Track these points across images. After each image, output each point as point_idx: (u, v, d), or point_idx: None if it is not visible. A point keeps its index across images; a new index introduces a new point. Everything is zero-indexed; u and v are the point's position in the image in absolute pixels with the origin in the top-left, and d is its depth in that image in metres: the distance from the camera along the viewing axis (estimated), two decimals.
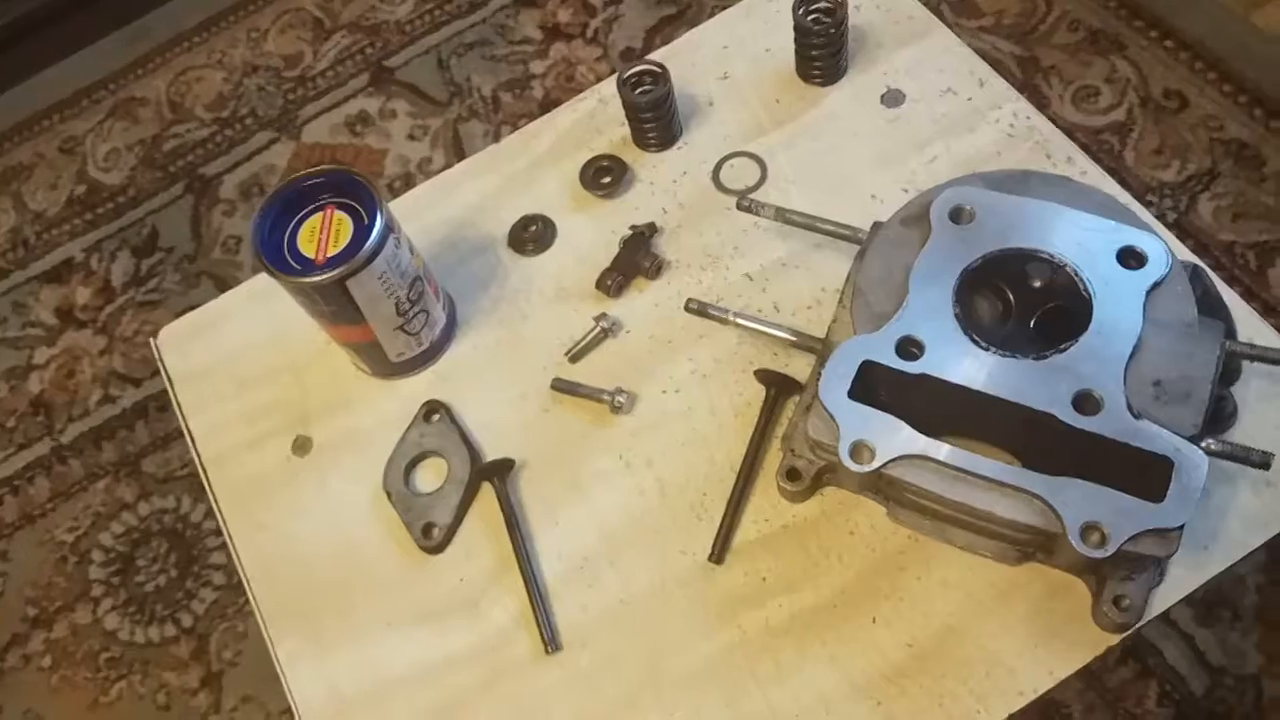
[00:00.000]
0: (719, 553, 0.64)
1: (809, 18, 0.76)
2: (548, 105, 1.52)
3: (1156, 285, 0.55)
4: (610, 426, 0.70)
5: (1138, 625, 0.56)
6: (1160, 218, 1.28)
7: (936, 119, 0.76)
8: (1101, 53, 1.41)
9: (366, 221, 0.64)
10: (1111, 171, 1.32)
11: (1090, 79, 1.39)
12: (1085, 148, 1.32)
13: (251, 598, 0.68)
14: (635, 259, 0.74)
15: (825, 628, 0.61)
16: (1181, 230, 1.26)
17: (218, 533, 1.28)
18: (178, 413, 0.76)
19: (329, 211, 0.65)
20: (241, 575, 0.69)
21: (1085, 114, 1.37)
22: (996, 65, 1.44)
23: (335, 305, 0.65)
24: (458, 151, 1.51)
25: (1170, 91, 1.36)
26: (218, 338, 0.78)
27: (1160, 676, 1.05)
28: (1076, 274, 0.57)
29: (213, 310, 0.81)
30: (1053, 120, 1.33)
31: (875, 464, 0.54)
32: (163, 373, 0.78)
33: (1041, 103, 1.38)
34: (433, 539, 0.67)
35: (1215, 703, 1.03)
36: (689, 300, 0.68)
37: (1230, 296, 0.63)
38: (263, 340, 0.77)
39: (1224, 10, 1.40)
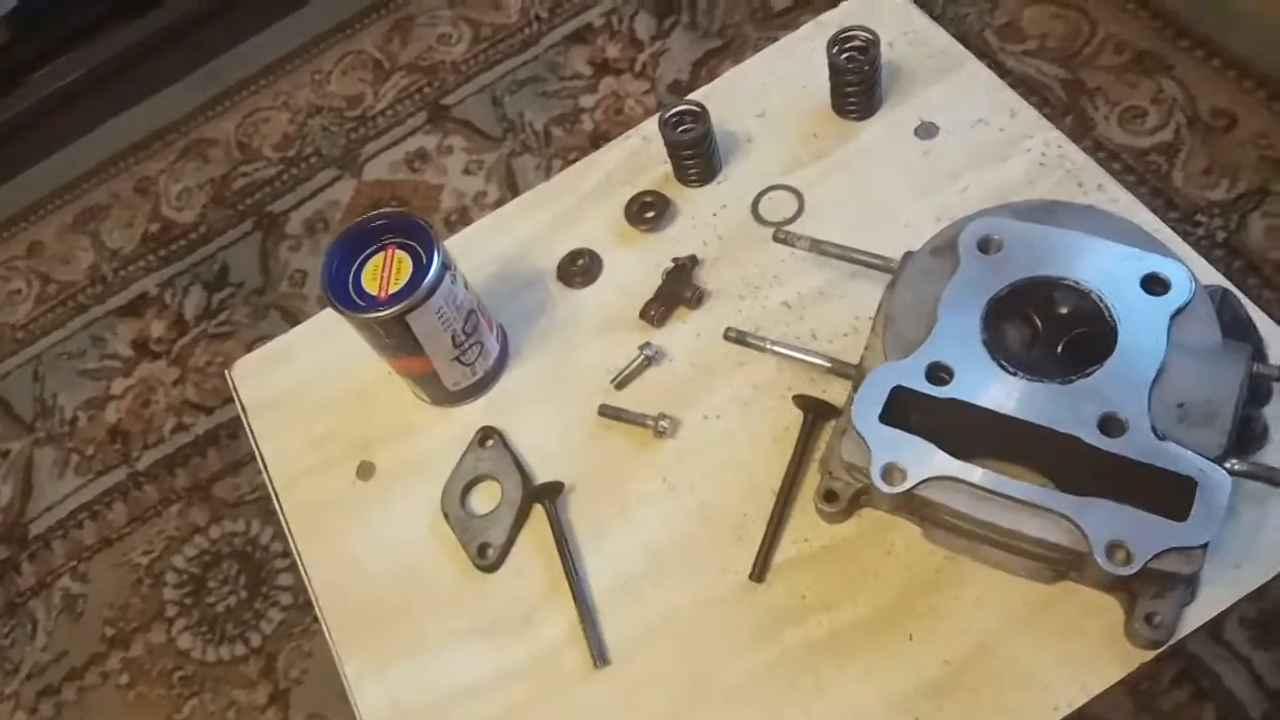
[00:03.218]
0: (760, 572, 0.66)
1: (843, 56, 0.79)
2: (597, 138, 1.56)
3: (1180, 310, 0.57)
4: (654, 450, 0.73)
5: (1170, 642, 0.57)
6: (1209, 237, 1.28)
7: (969, 150, 0.78)
8: (1147, 73, 1.41)
9: (425, 260, 0.68)
10: (1159, 192, 1.34)
11: (1136, 100, 1.39)
12: (1131, 169, 1.34)
13: (320, 615, 0.72)
14: (677, 290, 0.77)
15: (864, 645, 0.63)
16: (1231, 250, 1.26)
17: (285, 555, 1.34)
18: (251, 440, 0.80)
19: (390, 251, 0.69)
20: (311, 594, 0.73)
21: (1132, 135, 1.37)
22: (1041, 89, 1.46)
23: (396, 339, 0.69)
24: (511, 185, 1.56)
25: (1218, 110, 1.36)
26: (287, 370, 0.83)
27: (1217, 700, 1.03)
28: (1101, 301, 0.58)
29: (282, 344, 0.86)
30: (1099, 142, 1.35)
31: (906, 485, 0.57)
32: (237, 402, 0.83)
33: (1087, 125, 1.38)
34: (488, 558, 0.71)
35: None
36: (728, 329, 0.71)
37: (1262, 319, 0.64)
38: (328, 372, 0.82)
39: (1273, 28, 1.40)
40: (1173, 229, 0.70)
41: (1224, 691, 1.04)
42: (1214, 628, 1.05)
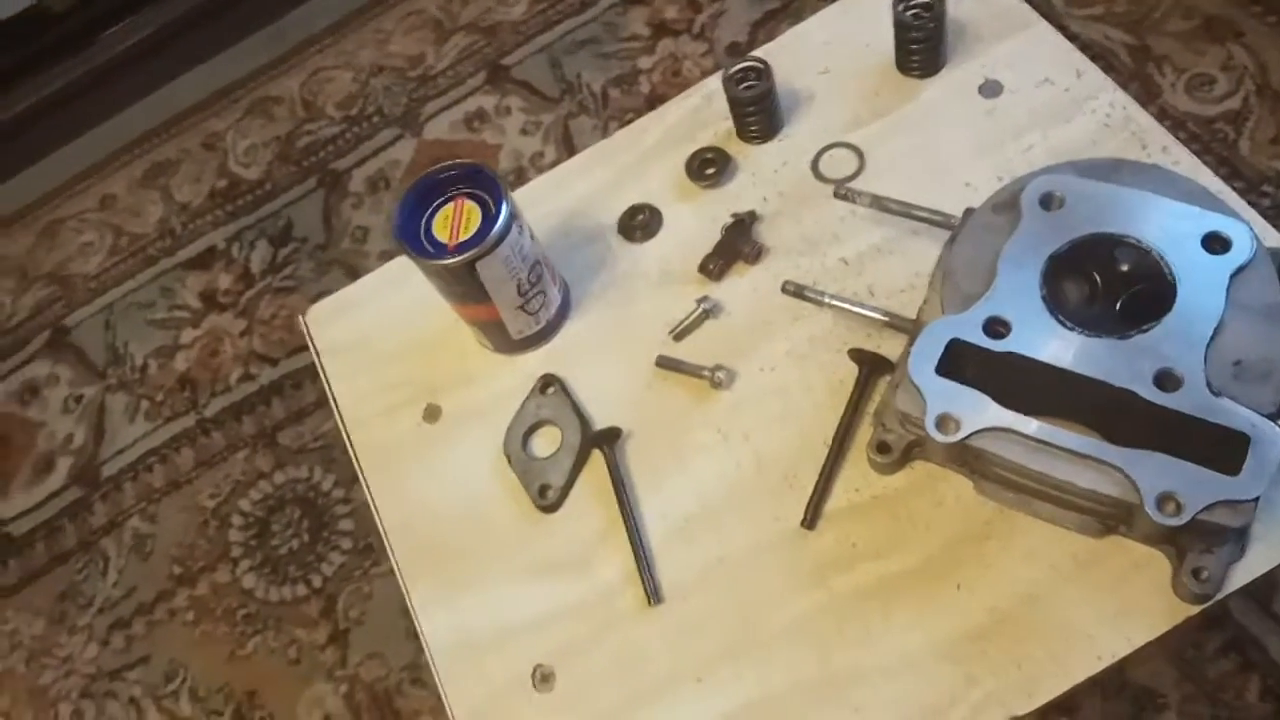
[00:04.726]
0: (811, 519, 0.68)
1: (908, 13, 0.79)
2: (654, 100, 1.57)
3: (1241, 269, 0.57)
4: (710, 401, 0.74)
5: (1216, 597, 0.58)
6: (1276, 207, 1.26)
7: (1033, 109, 0.78)
8: (1217, 40, 1.38)
9: (493, 210, 0.70)
10: (1224, 161, 1.31)
11: (1204, 67, 1.36)
12: (1197, 137, 1.32)
13: (389, 548, 0.75)
14: (736, 245, 0.79)
15: (911, 592, 0.65)
16: None
17: (346, 501, 1.38)
18: (324, 382, 0.84)
19: (460, 202, 0.71)
20: (380, 528, 0.76)
21: (1199, 103, 1.35)
22: (1107, 54, 1.44)
23: (465, 286, 0.72)
24: (568, 146, 1.58)
25: None
26: (359, 316, 0.86)
27: (1263, 671, 1.03)
28: (1162, 258, 0.59)
29: (354, 292, 0.89)
30: (1165, 109, 1.33)
31: (960, 435, 0.58)
32: (310, 347, 0.86)
33: (1154, 92, 1.36)
34: (548, 499, 0.73)
35: None
36: (786, 282, 0.73)
37: None
38: (397, 319, 0.85)
39: None
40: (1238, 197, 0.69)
41: (1270, 662, 1.03)
42: (1263, 600, 1.05)
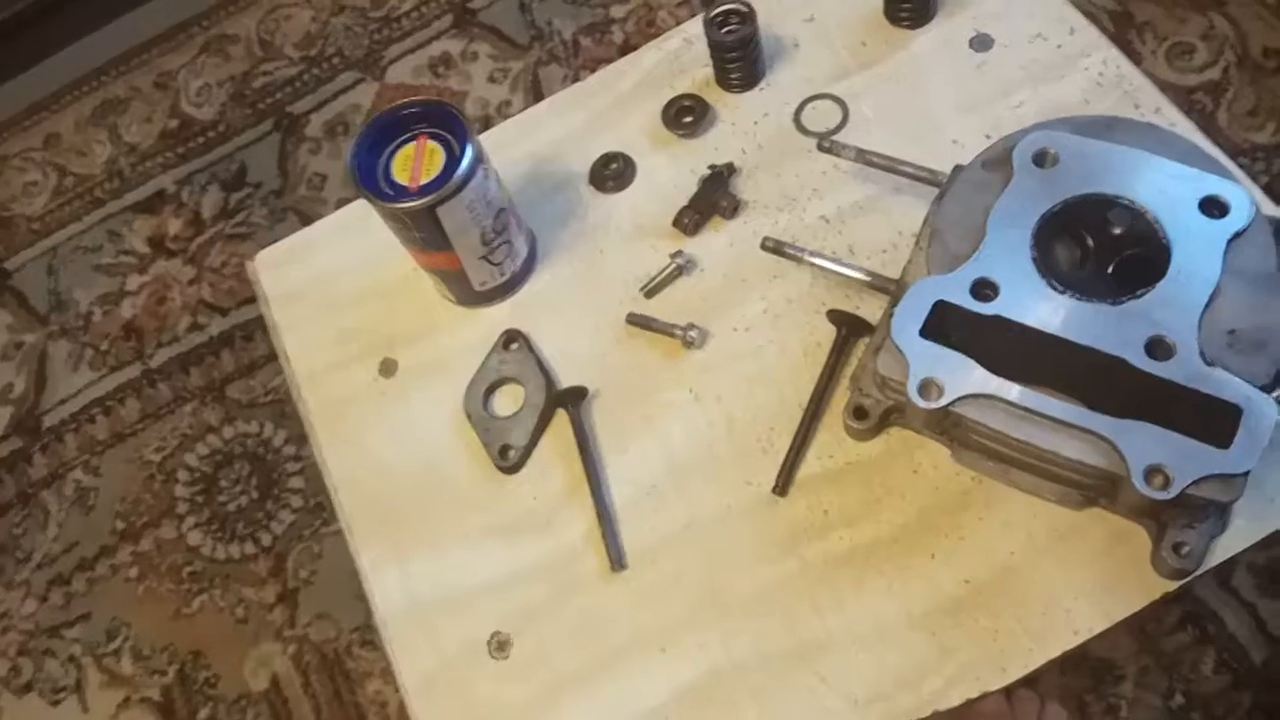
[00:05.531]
0: (783, 485, 0.66)
1: None
2: (627, 50, 1.51)
3: (1238, 235, 0.55)
4: (681, 361, 0.72)
5: (1196, 573, 0.57)
6: (1250, 181, 1.25)
7: (1025, 65, 0.75)
8: (1199, 9, 1.36)
9: (458, 152, 0.66)
10: (1202, 131, 1.30)
11: (1185, 36, 1.35)
12: (1175, 106, 1.30)
13: (339, 507, 0.72)
14: (713, 198, 0.75)
15: (885, 561, 0.63)
16: (1273, 195, 1.22)
17: (297, 458, 1.34)
18: (273, 332, 0.79)
19: (422, 141, 0.67)
20: (329, 486, 0.73)
21: (1178, 72, 1.33)
22: (1089, 19, 1.41)
23: (425, 232, 0.68)
24: (537, 95, 1.53)
25: (1270, 50, 1.32)
26: (311, 263, 0.82)
27: (1219, 644, 1.04)
28: (1157, 221, 0.57)
29: (306, 237, 0.84)
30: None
31: (943, 401, 0.56)
32: (259, 294, 0.81)
33: (1134, 59, 1.33)
34: (509, 460, 0.70)
35: (1274, 673, 1.02)
36: (765, 238, 0.70)
37: None
38: (353, 267, 0.80)
39: None
40: None
41: (1227, 636, 1.04)
42: (1222, 574, 1.05)
